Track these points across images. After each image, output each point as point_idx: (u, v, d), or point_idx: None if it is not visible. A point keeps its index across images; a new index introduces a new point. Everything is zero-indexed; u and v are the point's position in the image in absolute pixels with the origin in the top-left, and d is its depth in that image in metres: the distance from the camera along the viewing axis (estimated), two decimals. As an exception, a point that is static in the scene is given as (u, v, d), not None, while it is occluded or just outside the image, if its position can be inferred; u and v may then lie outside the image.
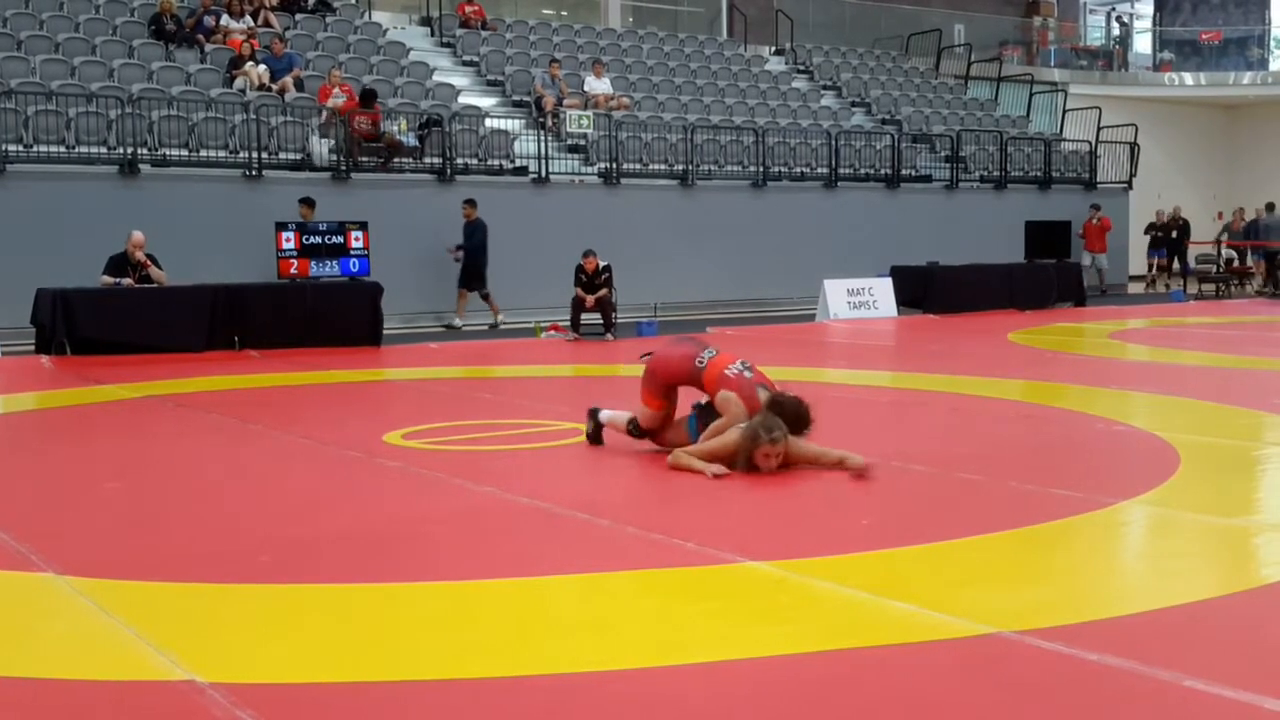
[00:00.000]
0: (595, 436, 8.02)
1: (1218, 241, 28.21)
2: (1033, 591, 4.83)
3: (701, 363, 7.32)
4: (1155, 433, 8.21)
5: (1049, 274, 22.51)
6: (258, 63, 19.50)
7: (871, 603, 4.63)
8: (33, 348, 14.58)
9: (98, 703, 3.77)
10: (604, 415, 8.01)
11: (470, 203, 18.21)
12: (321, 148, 18.39)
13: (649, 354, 7.86)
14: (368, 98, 18.97)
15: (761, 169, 22.65)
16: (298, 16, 22.35)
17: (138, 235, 14.90)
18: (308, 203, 17.05)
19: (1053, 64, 34.99)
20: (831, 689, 3.82)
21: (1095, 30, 38.40)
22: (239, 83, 19.15)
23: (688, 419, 7.58)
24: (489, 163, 20.17)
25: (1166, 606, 4.61)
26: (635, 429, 7.73)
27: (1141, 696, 3.73)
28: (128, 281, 14.77)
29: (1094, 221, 25.17)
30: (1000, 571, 5.15)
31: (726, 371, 7.22)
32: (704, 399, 7.47)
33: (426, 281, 18.43)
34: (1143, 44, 37.85)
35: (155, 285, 14.89)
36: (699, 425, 7.38)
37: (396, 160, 19.08)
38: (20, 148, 16.58)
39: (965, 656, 4.07)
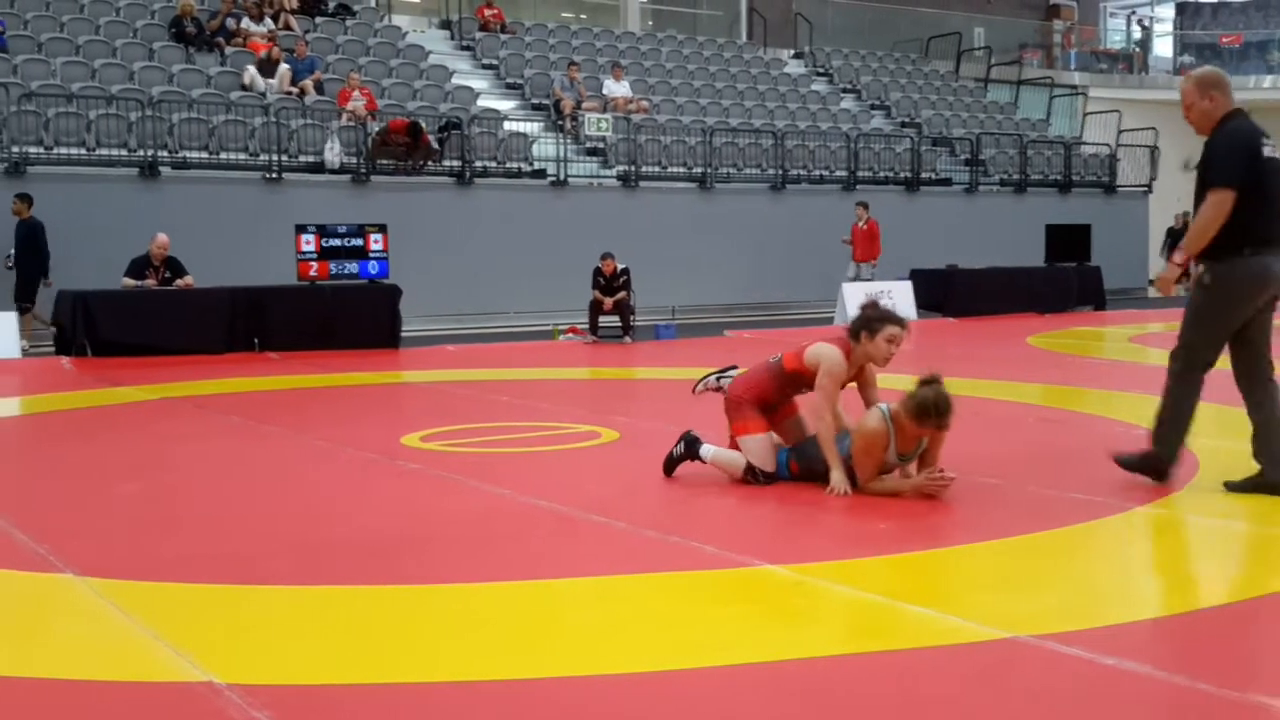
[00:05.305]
0: (674, 465, 7.02)
1: None
2: (1051, 596, 4.81)
3: (776, 357, 6.83)
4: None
5: (1069, 277, 22.44)
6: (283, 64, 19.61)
7: (889, 607, 4.62)
8: (53, 349, 14.65)
9: (116, 703, 3.78)
10: (709, 451, 6.91)
11: (22, 198, 15.68)
12: (330, 153, 18.42)
13: (712, 381, 7.30)
14: (415, 130, 18.96)
15: (780, 172, 22.64)
16: (317, 20, 22.43)
17: (162, 237, 14.93)
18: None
19: (1073, 67, 34.91)
20: (849, 693, 3.81)
21: (1115, 34, 38.30)
22: (268, 83, 19.19)
23: (778, 452, 6.89)
24: (507, 165, 20.21)
25: (1185, 611, 4.59)
26: (759, 476, 6.74)
27: (1159, 701, 3.72)
28: (151, 282, 14.81)
29: (861, 225, 20.93)
30: (1018, 575, 5.13)
31: (804, 345, 6.76)
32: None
33: (445, 284, 18.46)
34: (1163, 47, 37.73)
35: (177, 288, 14.91)
36: (790, 459, 6.82)
37: (416, 162, 19.10)
38: (41, 150, 16.69)
39: (983, 661, 4.05)
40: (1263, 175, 6.19)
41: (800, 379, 6.75)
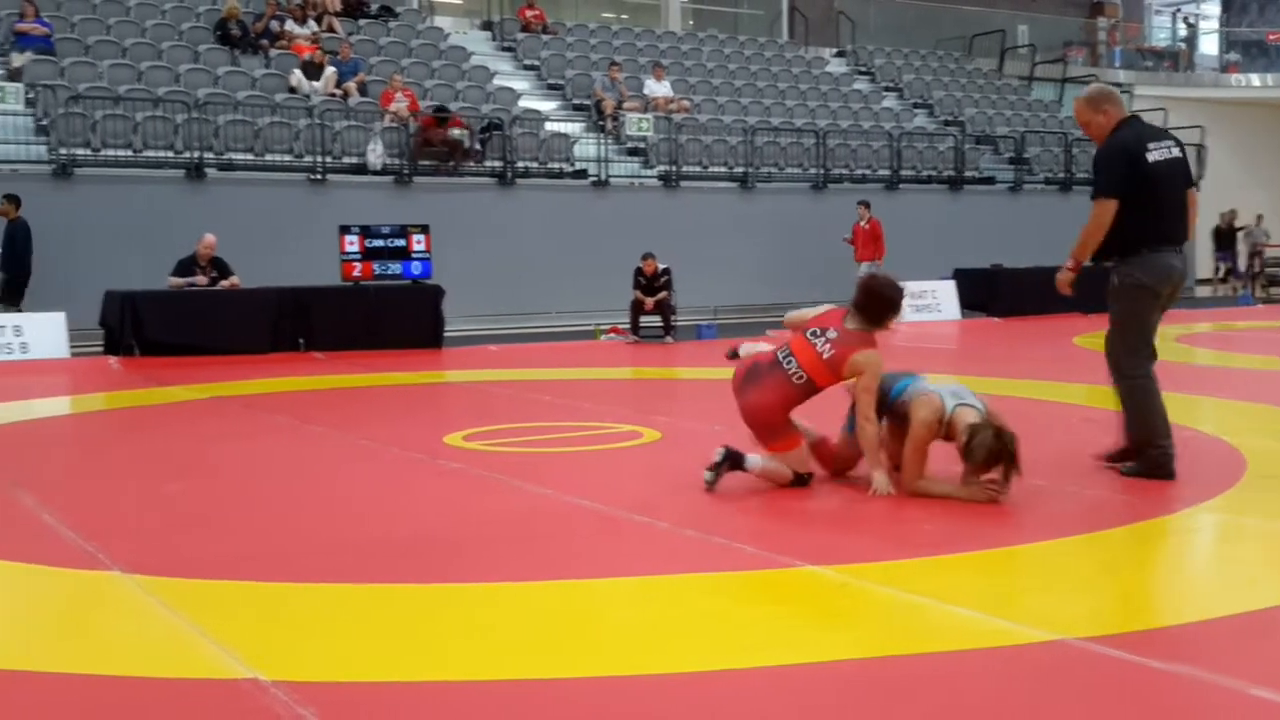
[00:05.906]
0: (716, 479, 6.63)
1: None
2: (1097, 598, 4.78)
3: (801, 378, 6.56)
4: (1221, 437, 8.10)
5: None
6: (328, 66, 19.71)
7: (934, 608, 4.59)
8: (101, 348, 14.79)
9: (162, 700, 3.81)
10: (756, 463, 6.70)
11: (10, 198, 15.41)
12: (373, 155, 18.49)
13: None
14: (441, 115, 19.07)
15: (822, 171, 22.56)
16: (361, 22, 22.54)
17: (210, 238, 15.03)
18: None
19: (1118, 65, 34.62)
20: (893, 695, 3.80)
21: (1161, 31, 37.97)
22: (313, 85, 19.29)
23: (844, 427, 6.84)
24: (549, 166, 20.24)
25: (1233, 614, 4.54)
26: (803, 478, 6.71)
27: (1206, 704, 3.68)
28: (201, 280, 14.87)
29: (863, 224, 20.39)
30: (1064, 577, 5.10)
31: (818, 351, 6.55)
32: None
33: (487, 284, 18.50)
34: (1209, 45, 37.37)
35: (223, 289, 14.99)
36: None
37: (458, 163, 19.17)
38: (88, 152, 16.84)
39: (1028, 663, 4.02)
40: (1146, 180, 6.58)
41: (818, 388, 6.68)
